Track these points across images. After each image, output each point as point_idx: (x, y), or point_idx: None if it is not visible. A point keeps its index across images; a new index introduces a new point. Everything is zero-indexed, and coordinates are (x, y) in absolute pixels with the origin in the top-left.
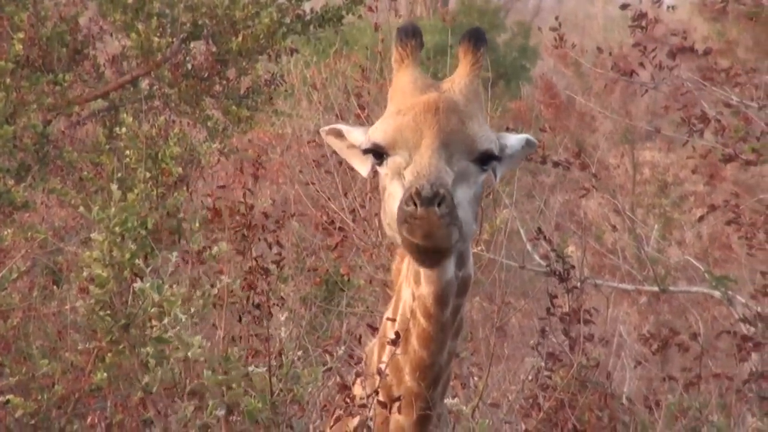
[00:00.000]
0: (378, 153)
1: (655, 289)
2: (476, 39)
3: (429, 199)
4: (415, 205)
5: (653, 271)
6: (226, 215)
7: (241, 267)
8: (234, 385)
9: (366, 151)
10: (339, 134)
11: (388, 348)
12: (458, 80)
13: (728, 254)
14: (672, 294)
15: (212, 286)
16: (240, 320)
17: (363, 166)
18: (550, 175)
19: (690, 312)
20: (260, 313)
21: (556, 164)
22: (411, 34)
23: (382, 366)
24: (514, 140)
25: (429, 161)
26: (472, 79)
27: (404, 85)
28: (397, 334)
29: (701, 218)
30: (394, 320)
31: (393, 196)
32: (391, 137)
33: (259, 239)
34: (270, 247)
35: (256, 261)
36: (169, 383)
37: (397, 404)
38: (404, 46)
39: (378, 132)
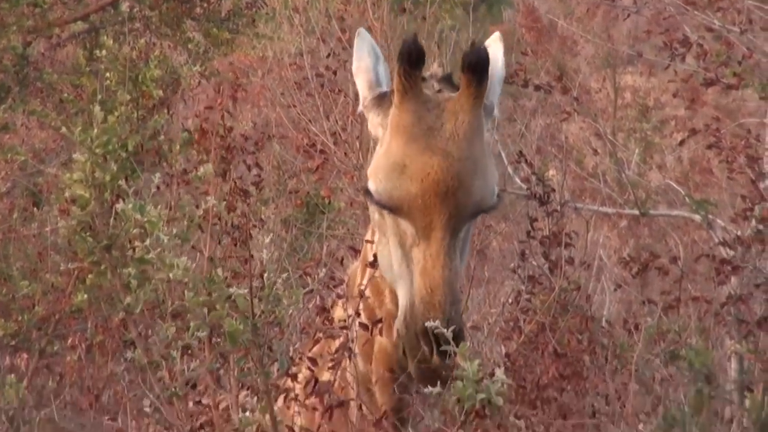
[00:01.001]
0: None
1: (636, 212)
2: (480, 71)
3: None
4: (430, 344)
5: (634, 195)
6: (210, 137)
7: (221, 189)
8: (217, 307)
9: (366, 194)
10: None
11: (368, 270)
12: (462, 116)
13: (708, 178)
14: (652, 218)
15: (197, 207)
16: (219, 242)
17: (361, 91)
18: (531, 99)
19: (670, 236)
20: (240, 235)
21: (537, 88)
22: (416, 62)
23: (363, 288)
24: (498, 85)
25: (442, 273)
26: (476, 114)
27: (408, 124)
28: (375, 256)
29: (682, 142)
30: (372, 242)
31: (394, 254)
32: (397, 204)
33: (239, 161)
34: (249, 169)
35: (236, 183)
36: (150, 304)
37: (378, 326)
38: (408, 77)
39: (383, 191)
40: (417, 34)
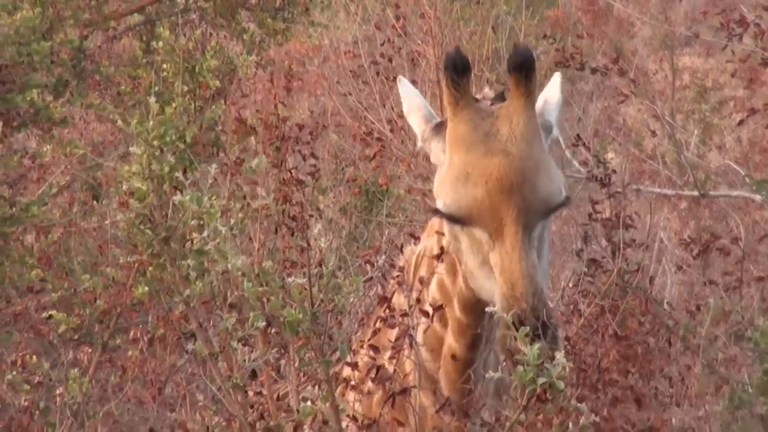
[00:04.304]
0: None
1: (696, 194)
2: (527, 70)
3: (536, 335)
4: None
5: (693, 176)
6: (261, 127)
7: (277, 179)
8: (273, 297)
9: (436, 212)
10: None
11: (434, 262)
12: (516, 118)
13: None
14: (712, 199)
15: (244, 198)
16: (276, 232)
17: (417, 127)
18: (588, 82)
19: (730, 216)
20: (296, 225)
21: (594, 71)
22: (461, 71)
23: (426, 277)
24: (555, 109)
25: (520, 266)
26: (530, 116)
27: (465, 134)
28: (441, 249)
29: (741, 122)
30: (442, 234)
31: (472, 266)
32: (466, 212)
33: (293, 151)
34: (304, 159)
35: (291, 173)
36: (209, 296)
37: (437, 313)
38: (456, 86)
39: (451, 203)
40: (459, 45)
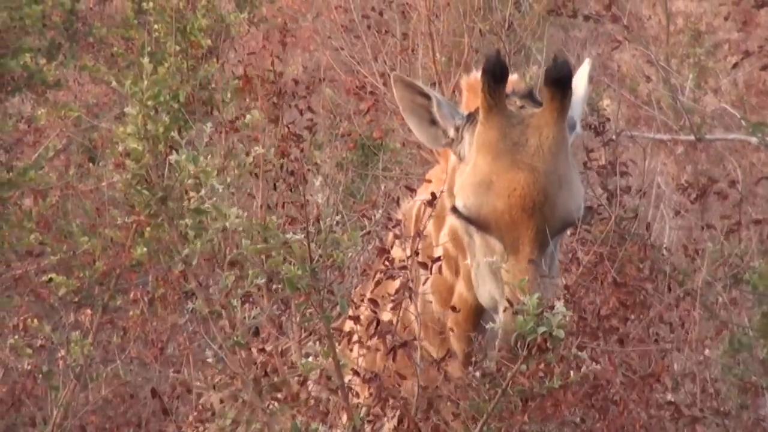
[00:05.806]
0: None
1: (692, 138)
2: (563, 89)
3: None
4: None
5: (689, 121)
6: (258, 83)
7: (275, 135)
8: (273, 253)
9: (454, 211)
10: (412, 89)
11: (427, 209)
12: (546, 130)
13: (764, 100)
14: (709, 142)
15: (247, 154)
16: (275, 188)
17: (428, 135)
18: (581, 30)
19: (727, 159)
20: (295, 180)
21: (587, 18)
22: (500, 78)
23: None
24: (580, 103)
25: (530, 290)
26: (560, 128)
27: (494, 140)
28: (433, 194)
29: (736, 65)
30: (431, 181)
31: (483, 272)
32: (485, 220)
33: (290, 106)
34: (301, 114)
35: (288, 128)
36: (208, 254)
37: (438, 264)
38: (492, 93)
39: (471, 207)
40: (499, 49)
